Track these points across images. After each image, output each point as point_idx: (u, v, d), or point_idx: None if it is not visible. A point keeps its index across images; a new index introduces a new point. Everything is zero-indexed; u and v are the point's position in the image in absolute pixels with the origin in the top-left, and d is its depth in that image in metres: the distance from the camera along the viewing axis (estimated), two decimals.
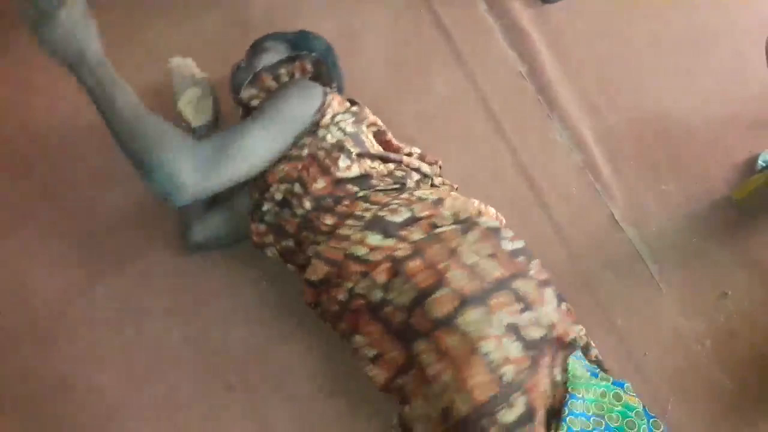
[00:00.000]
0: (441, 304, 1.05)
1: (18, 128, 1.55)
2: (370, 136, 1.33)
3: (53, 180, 1.50)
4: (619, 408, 1.05)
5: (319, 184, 1.21)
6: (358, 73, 1.60)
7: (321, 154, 1.23)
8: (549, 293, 1.12)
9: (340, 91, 1.47)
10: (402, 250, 1.12)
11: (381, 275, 1.11)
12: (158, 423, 1.30)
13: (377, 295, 1.11)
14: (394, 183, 1.25)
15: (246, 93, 1.37)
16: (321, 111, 1.25)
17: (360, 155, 1.25)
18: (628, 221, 1.49)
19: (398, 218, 1.16)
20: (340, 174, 1.21)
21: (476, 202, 1.27)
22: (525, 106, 1.61)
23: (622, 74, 1.66)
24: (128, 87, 1.07)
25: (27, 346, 1.36)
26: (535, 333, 1.05)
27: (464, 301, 1.04)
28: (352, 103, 1.36)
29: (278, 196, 1.23)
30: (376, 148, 1.32)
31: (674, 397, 1.32)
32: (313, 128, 1.25)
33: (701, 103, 1.62)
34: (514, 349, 1.02)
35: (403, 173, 1.28)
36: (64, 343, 1.36)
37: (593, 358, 1.14)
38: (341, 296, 1.15)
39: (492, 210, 1.29)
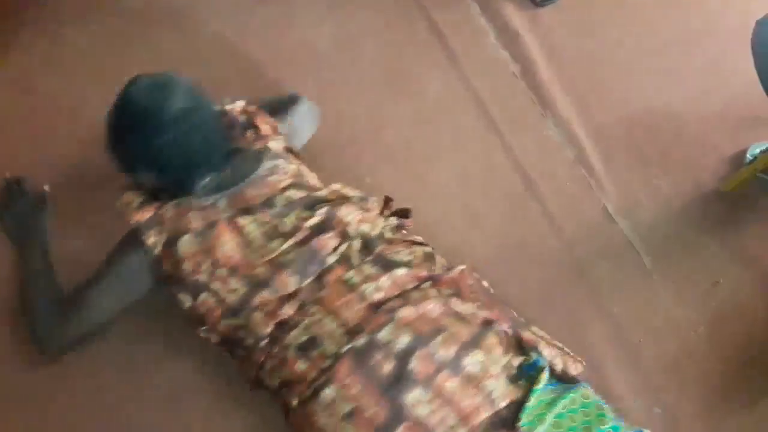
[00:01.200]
0: None
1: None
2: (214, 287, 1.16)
3: None
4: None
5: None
6: (354, 76, 1.64)
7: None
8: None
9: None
10: None
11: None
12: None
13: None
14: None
15: None
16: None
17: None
18: (621, 213, 1.53)
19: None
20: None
21: None
22: (518, 105, 1.66)
23: (611, 74, 1.71)
24: (48, 278, 1.30)
25: None
26: None
27: None
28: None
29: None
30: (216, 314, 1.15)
31: (667, 380, 1.35)
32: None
33: (688, 101, 1.67)
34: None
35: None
36: None
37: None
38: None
39: None
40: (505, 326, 1.13)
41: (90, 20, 1.72)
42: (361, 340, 1.05)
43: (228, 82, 1.60)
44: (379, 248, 1.18)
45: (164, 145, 1.13)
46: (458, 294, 1.16)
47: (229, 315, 1.13)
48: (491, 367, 1.06)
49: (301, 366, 1.07)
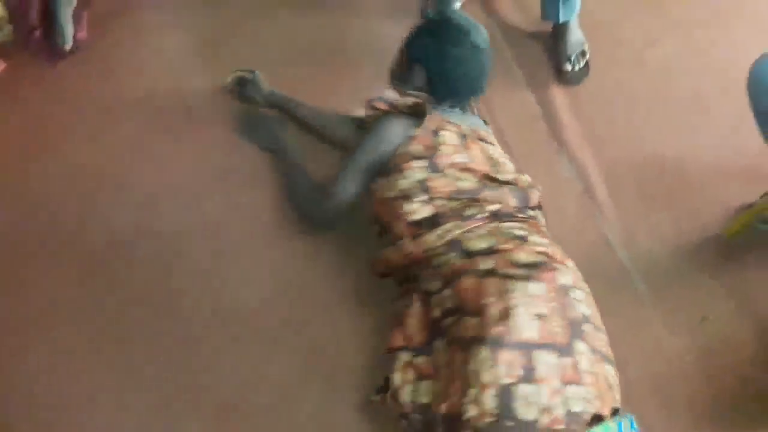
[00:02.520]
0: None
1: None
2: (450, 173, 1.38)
3: None
4: None
5: (396, 228, 1.37)
6: None
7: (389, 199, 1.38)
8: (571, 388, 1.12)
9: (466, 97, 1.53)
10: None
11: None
12: None
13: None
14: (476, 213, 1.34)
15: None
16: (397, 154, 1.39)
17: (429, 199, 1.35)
18: (621, 244, 1.61)
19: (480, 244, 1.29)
20: (409, 218, 1.35)
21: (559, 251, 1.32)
22: (536, 141, 1.79)
23: (627, 117, 1.83)
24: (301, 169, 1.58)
25: None
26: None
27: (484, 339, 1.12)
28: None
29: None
30: (446, 190, 1.36)
31: (653, 400, 1.38)
32: (389, 171, 1.39)
33: (700, 152, 1.75)
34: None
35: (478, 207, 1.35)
36: None
37: None
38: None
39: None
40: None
41: None
42: (567, 278, 1.24)
43: None
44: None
45: (462, 54, 1.43)
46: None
47: (459, 193, 1.35)
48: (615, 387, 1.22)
49: (511, 244, 1.26)
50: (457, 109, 1.50)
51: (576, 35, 1.87)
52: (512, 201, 1.38)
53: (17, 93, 1.84)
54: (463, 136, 1.43)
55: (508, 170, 1.45)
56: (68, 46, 1.79)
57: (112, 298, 1.51)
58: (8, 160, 1.72)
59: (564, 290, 1.21)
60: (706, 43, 1.96)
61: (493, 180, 1.40)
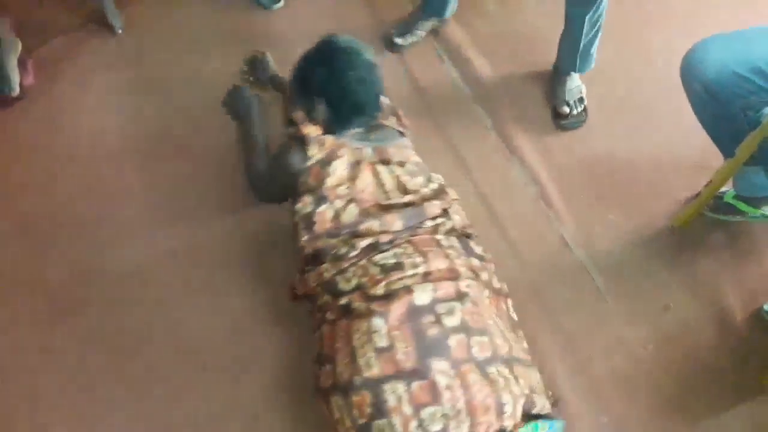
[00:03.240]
0: None
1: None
2: (336, 204, 1.37)
3: None
4: None
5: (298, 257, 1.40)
6: None
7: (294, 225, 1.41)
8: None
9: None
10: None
11: None
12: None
13: None
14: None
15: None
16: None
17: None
18: (578, 243, 1.65)
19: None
20: (302, 252, 1.38)
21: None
22: (487, 150, 1.83)
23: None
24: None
25: None
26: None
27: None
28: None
29: None
30: (327, 226, 1.36)
31: (616, 392, 1.41)
32: (297, 195, 1.40)
33: (646, 150, 1.82)
34: None
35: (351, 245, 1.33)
36: None
37: None
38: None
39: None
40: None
41: None
42: (426, 297, 1.21)
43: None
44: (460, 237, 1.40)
45: (351, 80, 1.40)
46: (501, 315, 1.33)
47: (338, 228, 1.34)
48: (513, 387, 1.16)
49: (378, 276, 1.25)
50: (361, 130, 1.47)
51: (576, 82, 1.91)
52: (397, 225, 1.33)
53: None
54: (357, 163, 1.40)
55: (412, 186, 1.41)
56: (14, 93, 1.78)
57: (74, 342, 1.49)
58: None
59: (418, 312, 1.19)
60: (640, 46, 2.04)
61: (382, 207, 1.37)
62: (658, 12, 2.13)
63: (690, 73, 1.46)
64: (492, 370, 1.16)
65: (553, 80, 1.94)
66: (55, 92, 1.91)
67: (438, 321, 1.18)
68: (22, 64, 1.83)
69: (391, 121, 1.56)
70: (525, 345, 1.33)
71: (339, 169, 1.37)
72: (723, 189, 1.65)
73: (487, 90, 1.97)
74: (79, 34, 2.03)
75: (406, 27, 2.02)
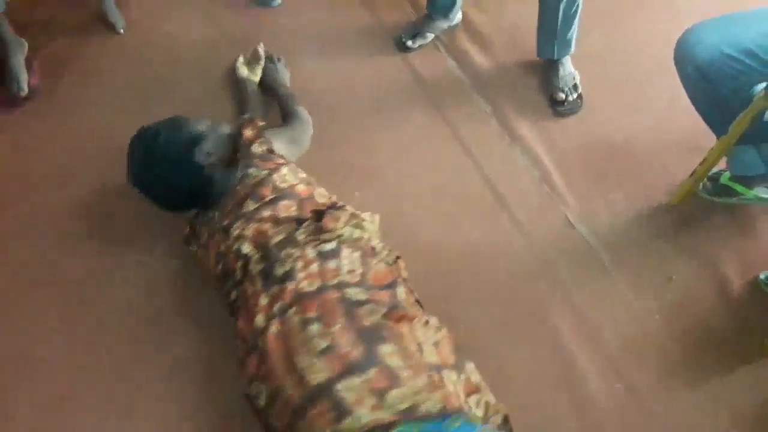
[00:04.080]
0: None
1: None
2: None
3: None
4: None
5: None
6: (350, 111, 1.91)
7: None
8: None
9: None
10: None
11: None
12: None
13: None
14: None
15: None
16: None
17: None
18: (581, 221, 1.72)
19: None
20: None
21: None
22: (489, 136, 1.90)
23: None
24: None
25: None
26: None
27: None
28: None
29: None
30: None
31: (628, 360, 1.48)
32: None
33: (642, 131, 1.89)
34: None
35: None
36: None
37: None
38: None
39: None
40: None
41: None
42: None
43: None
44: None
45: (151, 182, 1.46)
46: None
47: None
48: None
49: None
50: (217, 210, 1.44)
51: (568, 69, 1.98)
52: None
53: None
54: (212, 234, 1.42)
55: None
56: (24, 93, 1.80)
57: (93, 333, 1.52)
58: None
59: (352, 305, 1.20)
60: (632, 30, 2.13)
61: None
62: None
63: (683, 56, 1.52)
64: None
65: (547, 69, 2.01)
66: (60, 91, 1.93)
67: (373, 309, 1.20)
68: (28, 64, 1.85)
69: (232, 155, 1.51)
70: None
71: (199, 255, 1.47)
72: (718, 169, 1.73)
73: (485, 79, 2.03)
74: (82, 33, 2.05)
75: (416, 30, 2.09)
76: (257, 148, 1.50)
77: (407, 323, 1.21)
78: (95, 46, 2.04)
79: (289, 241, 1.32)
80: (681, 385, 1.46)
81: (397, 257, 1.40)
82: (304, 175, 1.50)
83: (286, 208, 1.38)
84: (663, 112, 1.93)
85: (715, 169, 1.72)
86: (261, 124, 1.57)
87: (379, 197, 1.74)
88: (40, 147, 1.80)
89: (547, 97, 1.98)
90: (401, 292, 1.28)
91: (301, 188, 1.43)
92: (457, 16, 2.15)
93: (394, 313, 1.20)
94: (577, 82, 1.97)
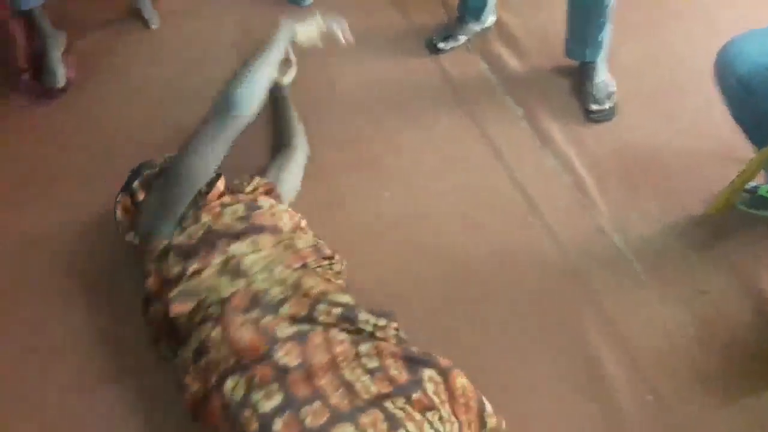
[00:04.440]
0: None
1: None
2: None
3: None
4: None
5: None
6: (372, 107, 1.89)
7: None
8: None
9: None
10: None
11: None
12: None
13: None
14: None
15: None
16: None
17: None
18: (614, 229, 1.68)
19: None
20: None
21: None
22: (520, 139, 1.87)
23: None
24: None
25: None
26: None
27: None
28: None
29: None
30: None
31: (659, 372, 1.44)
32: None
33: (677, 140, 1.85)
34: None
35: None
36: None
37: None
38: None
39: None
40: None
41: None
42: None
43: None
44: None
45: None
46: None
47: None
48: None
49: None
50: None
51: (602, 76, 1.93)
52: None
53: (7, 137, 1.85)
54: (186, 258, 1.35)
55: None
56: (60, 85, 1.82)
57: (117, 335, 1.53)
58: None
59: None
60: (666, 40, 2.08)
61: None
62: (683, 5, 2.17)
63: (725, 68, 1.49)
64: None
65: (581, 74, 1.98)
66: (94, 85, 1.96)
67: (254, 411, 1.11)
68: (64, 57, 1.87)
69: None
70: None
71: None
72: (756, 183, 1.69)
73: (517, 82, 2.01)
74: (116, 28, 2.08)
75: (447, 32, 2.08)
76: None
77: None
78: (130, 41, 2.07)
79: None
80: (713, 400, 1.41)
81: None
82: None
83: None
84: (698, 121, 1.89)
85: (752, 183, 1.68)
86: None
87: (407, 197, 1.74)
88: (70, 139, 1.82)
89: (579, 103, 1.95)
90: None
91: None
92: (490, 19, 2.13)
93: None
94: (612, 91, 1.94)
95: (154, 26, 2.07)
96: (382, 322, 1.24)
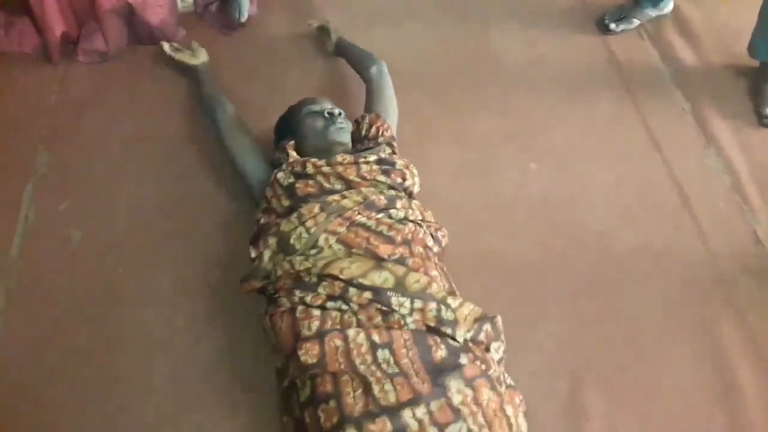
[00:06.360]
0: None
1: None
2: None
3: None
4: None
5: None
6: (534, 80, 1.88)
7: None
8: None
9: None
10: None
11: None
12: None
13: None
14: None
15: None
16: None
17: None
18: None
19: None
20: None
21: None
22: (682, 134, 1.80)
23: None
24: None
25: None
26: None
27: None
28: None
29: None
30: None
31: None
32: None
33: None
34: None
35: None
36: None
37: None
38: None
39: None
40: None
41: None
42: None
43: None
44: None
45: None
46: None
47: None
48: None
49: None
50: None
51: None
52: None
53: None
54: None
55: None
56: (243, 19, 1.94)
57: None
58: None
59: (415, 338, 1.16)
60: None
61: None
62: None
63: None
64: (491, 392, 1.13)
65: (760, 75, 1.86)
66: (271, 22, 2.06)
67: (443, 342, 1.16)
68: None
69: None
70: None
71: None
72: None
73: (688, 75, 1.92)
74: None
75: (621, 13, 2.01)
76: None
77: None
78: None
79: None
80: None
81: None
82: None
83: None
84: None
85: None
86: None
87: (555, 173, 1.72)
88: (249, 71, 1.94)
89: (753, 105, 1.84)
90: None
91: None
92: (668, 6, 2.04)
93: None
94: None
95: None
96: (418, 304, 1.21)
